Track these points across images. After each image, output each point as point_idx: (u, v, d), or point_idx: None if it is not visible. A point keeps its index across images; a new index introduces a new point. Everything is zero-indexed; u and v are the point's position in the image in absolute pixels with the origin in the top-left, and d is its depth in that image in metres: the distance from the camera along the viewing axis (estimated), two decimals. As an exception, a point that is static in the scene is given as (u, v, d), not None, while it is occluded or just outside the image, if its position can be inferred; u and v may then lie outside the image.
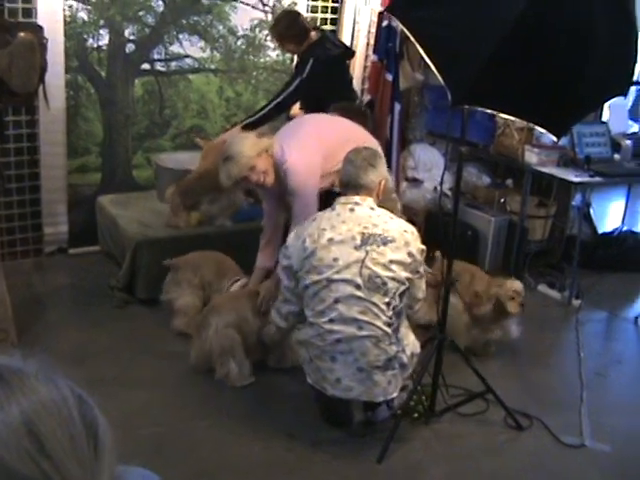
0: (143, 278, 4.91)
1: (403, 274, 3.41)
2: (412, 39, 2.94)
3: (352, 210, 3.46)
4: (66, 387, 1.01)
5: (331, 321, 3.34)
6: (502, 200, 6.14)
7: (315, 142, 4.11)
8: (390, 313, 3.39)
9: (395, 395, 3.52)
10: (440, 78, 2.90)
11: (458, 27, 2.90)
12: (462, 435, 3.79)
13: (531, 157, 5.73)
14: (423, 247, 3.54)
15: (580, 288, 5.55)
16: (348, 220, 3.42)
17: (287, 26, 4.98)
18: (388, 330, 3.38)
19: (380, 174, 3.58)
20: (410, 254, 3.44)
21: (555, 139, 3.22)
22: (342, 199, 3.52)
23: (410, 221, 3.77)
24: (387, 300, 3.37)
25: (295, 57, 5.40)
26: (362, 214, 3.46)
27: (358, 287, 3.33)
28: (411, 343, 3.55)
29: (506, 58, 2.84)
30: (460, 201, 6.04)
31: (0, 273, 4.09)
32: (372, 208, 3.51)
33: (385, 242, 3.40)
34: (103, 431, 1.02)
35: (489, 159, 6.31)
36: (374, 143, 4.24)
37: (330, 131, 4.25)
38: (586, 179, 5.45)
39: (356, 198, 3.49)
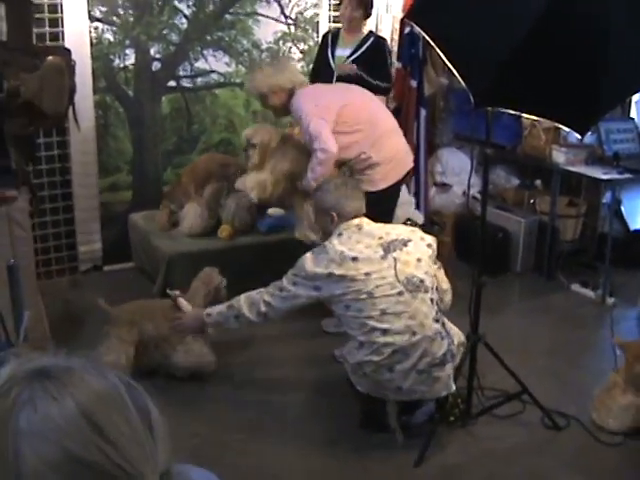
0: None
1: (432, 267, 3.48)
2: (432, 44, 2.97)
3: (360, 229, 3.52)
4: (114, 376, 1.05)
5: (384, 333, 3.34)
6: (532, 201, 6.13)
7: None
8: (436, 308, 3.43)
9: (454, 387, 3.55)
10: (461, 81, 2.92)
11: (476, 29, 2.92)
12: (499, 437, 3.79)
13: (559, 157, 5.72)
14: (434, 237, 3.60)
15: (613, 286, 5.51)
16: (361, 238, 3.48)
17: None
18: (438, 326, 3.41)
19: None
20: (429, 245, 3.53)
21: (579, 137, 3.22)
22: (343, 225, 3.56)
23: (439, 226, 3.80)
24: (430, 296, 3.41)
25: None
26: (370, 229, 3.54)
27: (400, 293, 3.35)
28: (456, 333, 3.59)
29: (526, 57, 2.86)
30: (489, 204, 6.07)
31: (37, 292, 4.16)
32: (370, 223, 3.60)
33: (405, 243, 3.47)
34: (155, 416, 1.06)
35: (517, 160, 6.30)
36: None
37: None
38: (615, 176, 5.42)
39: (355, 221, 3.58)
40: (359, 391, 3.54)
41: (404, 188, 5.07)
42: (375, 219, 3.73)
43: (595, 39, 2.92)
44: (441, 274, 3.64)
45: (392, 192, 4.65)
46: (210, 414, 3.93)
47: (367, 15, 5.34)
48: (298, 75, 4.73)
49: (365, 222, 3.57)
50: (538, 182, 6.26)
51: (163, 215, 5.36)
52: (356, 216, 3.58)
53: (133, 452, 1.00)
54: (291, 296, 3.52)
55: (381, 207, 4.26)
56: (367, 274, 3.35)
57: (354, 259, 3.37)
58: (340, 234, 3.52)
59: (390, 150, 4.55)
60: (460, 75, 2.91)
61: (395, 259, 3.39)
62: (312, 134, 4.30)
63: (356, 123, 4.44)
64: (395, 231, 3.55)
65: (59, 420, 0.97)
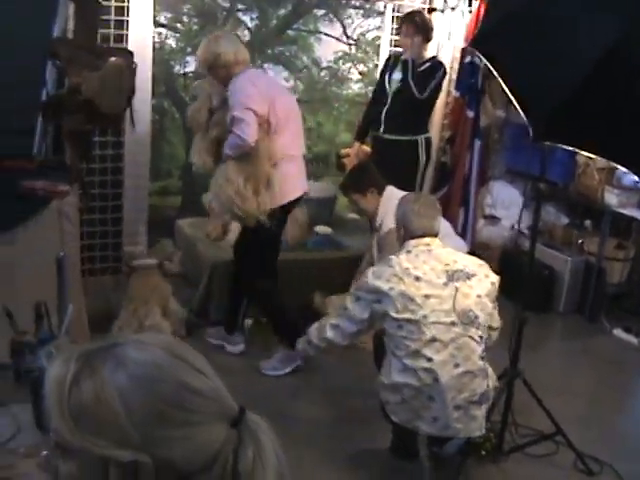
0: (218, 300, 4.97)
1: (490, 305, 3.43)
2: (495, 73, 2.95)
3: (429, 250, 3.47)
4: (160, 352, 1.13)
5: (429, 360, 3.29)
6: (580, 241, 6.06)
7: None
8: (483, 346, 3.38)
9: (485, 430, 3.49)
10: (522, 114, 2.90)
11: (543, 62, 2.90)
12: (530, 476, 3.74)
13: (611, 198, 5.65)
14: (498, 277, 3.53)
15: (657, 334, 5.43)
16: (428, 259, 3.42)
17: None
18: (482, 364, 3.36)
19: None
20: (492, 284, 3.47)
21: (638, 179, 3.18)
22: (412, 242, 3.51)
23: (484, 259, 3.75)
24: (480, 333, 3.36)
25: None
26: (439, 253, 3.48)
27: (454, 323, 3.31)
28: (492, 375, 3.53)
29: (590, 94, 2.83)
30: (537, 240, 6.02)
31: (80, 290, 4.19)
32: (443, 247, 3.54)
33: (469, 276, 3.41)
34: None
35: (568, 199, 6.24)
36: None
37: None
38: (667, 221, 5.35)
39: (426, 239, 3.51)
40: (392, 420, 3.49)
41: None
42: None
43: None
44: (495, 313, 3.58)
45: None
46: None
47: (427, 40, 5.37)
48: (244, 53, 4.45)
49: (436, 244, 3.53)
50: (588, 222, 6.19)
51: (217, 227, 5.35)
52: (425, 234, 3.55)
53: (216, 379, 1.16)
54: (355, 314, 3.50)
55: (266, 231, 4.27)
56: (426, 296, 3.31)
57: (417, 278, 3.34)
58: (409, 251, 3.49)
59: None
60: (521, 107, 2.89)
61: (457, 289, 3.35)
62: (235, 118, 4.12)
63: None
64: (463, 261, 3.49)
65: (154, 362, 1.10)
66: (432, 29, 5.41)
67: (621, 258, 5.99)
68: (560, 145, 3.08)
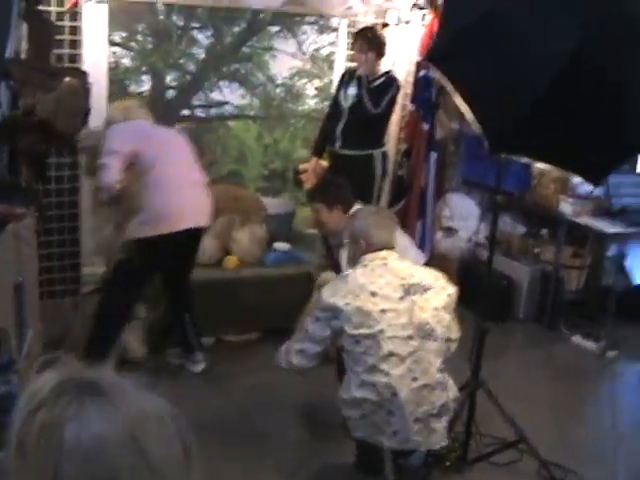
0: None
1: (447, 317, 3.44)
2: (451, 87, 2.98)
3: (385, 264, 3.48)
4: (163, 402, 1.07)
5: (386, 375, 3.28)
6: (537, 250, 6.13)
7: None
8: (441, 359, 3.39)
9: (447, 441, 3.50)
10: (478, 126, 2.93)
11: (496, 75, 2.94)
12: (495, 485, 3.76)
13: (566, 207, 5.74)
14: (455, 289, 3.55)
15: (615, 339, 5.50)
16: (384, 273, 3.43)
17: None
18: (440, 377, 3.38)
19: None
20: (449, 296, 3.47)
21: (594, 187, 3.24)
22: (369, 256, 3.50)
23: (443, 270, 3.77)
24: (438, 346, 3.37)
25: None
26: (395, 266, 3.48)
27: (411, 337, 3.31)
28: (452, 387, 3.55)
29: (546, 107, 2.88)
30: (495, 250, 6.08)
31: (35, 313, 4.15)
32: (400, 260, 3.54)
33: (426, 289, 3.42)
34: (191, 439, 1.07)
35: (524, 209, 6.32)
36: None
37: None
38: (621, 230, 5.46)
39: (383, 253, 3.51)
40: (354, 436, 3.49)
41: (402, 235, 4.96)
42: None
43: (614, 92, 2.94)
44: (454, 324, 3.60)
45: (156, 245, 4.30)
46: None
47: (380, 55, 5.42)
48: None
49: (392, 257, 3.53)
50: (544, 231, 6.26)
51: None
52: (384, 248, 3.56)
53: (173, 476, 1.01)
54: (316, 335, 3.46)
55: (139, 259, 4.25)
56: (383, 311, 3.31)
57: (373, 293, 3.34)
58: (365, 265, 3.49)
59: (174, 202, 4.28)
60: (478, 120, 2.92)
61: (413, 302, 3.36)
62: (97, 165, 4.20)
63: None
64: (419, 274, 3.49)
65: (107, 440, 0.97)
66: (385, 44, 5.46)
67: (577, 266, 6.09)
68: (516, 157, 3.13)
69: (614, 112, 2.96)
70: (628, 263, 6.46)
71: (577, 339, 5.68)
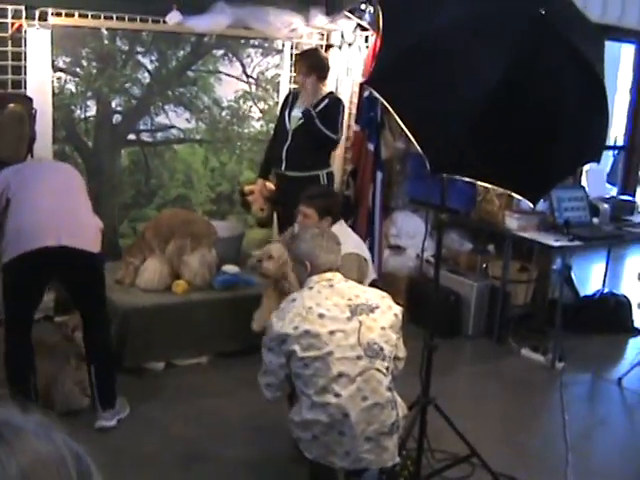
0: (130, 346, 4.92)
1: (394, 336, 3.46)
2: (391, 110, 3.03)
3: (331, 286, 3.50)
4: (64, 445, 1.02)
5: (336, 396, 3.29)
6: (484, 265, 6.22)
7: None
8: (389, 377, 3.41)
9: (399, 459, 3.52)
10: (418, 147, 2.98)
11: (434, 99, 2.99)
12: (448, 500, 3.80)
13: (511, 222, 5.84)
14: (401, 308, 3.59)
15: (563, 351, 5.59)
16: (330, 295, 3.45)
17: None
18: (389, 395, 3.39)
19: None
20: (395, 315, 3.49)
21: (531, 205, 3.30)
22: (315, 278, 3.51)
23: (392, 288, 3.81)
24: (386, 365, 3.39)
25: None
26: (341, 287, 3.50)
27: (360, 357, 3.33)
28: (401, 404, 3.57)
29: (482, 128, 2.93)
30: (442, 267, 6.13)
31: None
32: (345, 281, 3.57)
33: (372, 309, 3.43)
34: None
35: (470, 225, 6.41)
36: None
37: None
38: (566, 243, 5.55)
39: (328, 275, 3.53)
40: (307, 457, 3.49)
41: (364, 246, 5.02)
42: None
43: (547, 114, 3.02)
44: (400, 343, 3.62)
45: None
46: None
47: (321, 78, 5.47)
48: None
49: (338, 278, 3.55)
50: (491, 247, 6.36)
51: (126, 271, 5.30)
52: (330, 269, 3.58)
53: None
54: (273, 364, 3.44)
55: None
56: (331, 332, 3.32)
57: (320, 315, 3.35)
58: (311, 287, 3.50)
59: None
60: (417, 141, 2.96)
61: (360, 322, 3.38)
62: None
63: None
64: (365, 295, 3.51)
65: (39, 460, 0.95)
66: (326, 66, 5.52)
67: (524, 280, 6.19)
68: (456, 176, 3.18)
69: (546, 137, 3.04)
70: (574, 276, 6.61)
71: (526, 352, 5.76)
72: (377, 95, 3.13)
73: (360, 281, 4.11)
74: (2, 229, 4.08)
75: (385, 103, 3.02)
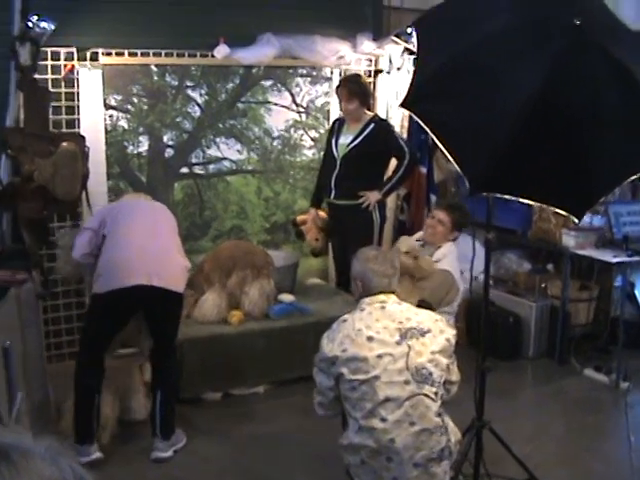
0: (188, 377, 4.95)
1: (445, 361, 3.40)
2: (428, 131, 3.01)
3: (383, 308, 3.48)
4: (69, 469, 1.04)
5: (383, 420, 3.27)
6: (543, 285, 6.12)
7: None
8: (439, 403, 3.36)
9: None
10: (457, 167, 2.96)
11: (469, 117, 2.96)
12: (507, 525, 3.72)
13: (568, 240, 5.74)
14: (455, 331, 3.54)
15: (627, 370, 5.45)
16: (381, 318, 3.43)
17: None
18: (438, 420, 3.35)
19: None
20: (447, 340, 3.45)
21: (577, 221, 3.24)
22: (367, 300, 3.51)
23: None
24: (435, 390, 3.34)
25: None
26: (393, 310, 3.47)
27: (407, 382, 3.30)
28: (453, 429, 3.51)
29: (520, 143, 2.89)
30: (501, 289, 6.07)
31: (45, 376, 4.18)
32: (399, 303, 3.54)
33: (423, 333, 3.40)
34: None
35: (528, 245, 6.33)
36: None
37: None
38: (625, 259, 5.43)
39: (381, 297, 3.51)
40: None
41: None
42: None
43: (586, 126, 2.96)
44: (454, 367, 3.58)
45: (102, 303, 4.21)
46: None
47: (364, 104, 5.49)
48: None
49: (391, 300, 3.52)
50: (550, 266, 6.26)
51: (189, 305, 5.31)
52: (382, 292, 3.57)
53: None
54: (323, 385, 3.47)
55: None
56: (379, 356, 3.31)
57: (369, 338, 3.33)
58: (362, 309, 3.50)
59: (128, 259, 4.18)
60: (456, 162, 2.94)
61: (410, 346, 3.34)
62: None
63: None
64: (417, 318, 3.47)
65: None
66: (368, 91, 5.55)
67: (585, 298, 6.06)
68: (498, 195, 3.13)
69: (587, 149, 2.98)
70: (636, 292, 6.44)
71: (589, 372, 5.64)
72: (414, 116, 3.13)
73: (448, 300, 4.71)
74: (96, 262, 4.21)
75: (421, 123, 3.01)
